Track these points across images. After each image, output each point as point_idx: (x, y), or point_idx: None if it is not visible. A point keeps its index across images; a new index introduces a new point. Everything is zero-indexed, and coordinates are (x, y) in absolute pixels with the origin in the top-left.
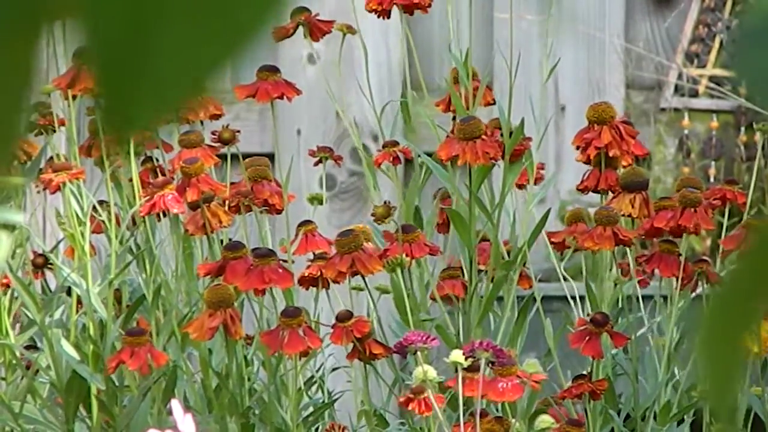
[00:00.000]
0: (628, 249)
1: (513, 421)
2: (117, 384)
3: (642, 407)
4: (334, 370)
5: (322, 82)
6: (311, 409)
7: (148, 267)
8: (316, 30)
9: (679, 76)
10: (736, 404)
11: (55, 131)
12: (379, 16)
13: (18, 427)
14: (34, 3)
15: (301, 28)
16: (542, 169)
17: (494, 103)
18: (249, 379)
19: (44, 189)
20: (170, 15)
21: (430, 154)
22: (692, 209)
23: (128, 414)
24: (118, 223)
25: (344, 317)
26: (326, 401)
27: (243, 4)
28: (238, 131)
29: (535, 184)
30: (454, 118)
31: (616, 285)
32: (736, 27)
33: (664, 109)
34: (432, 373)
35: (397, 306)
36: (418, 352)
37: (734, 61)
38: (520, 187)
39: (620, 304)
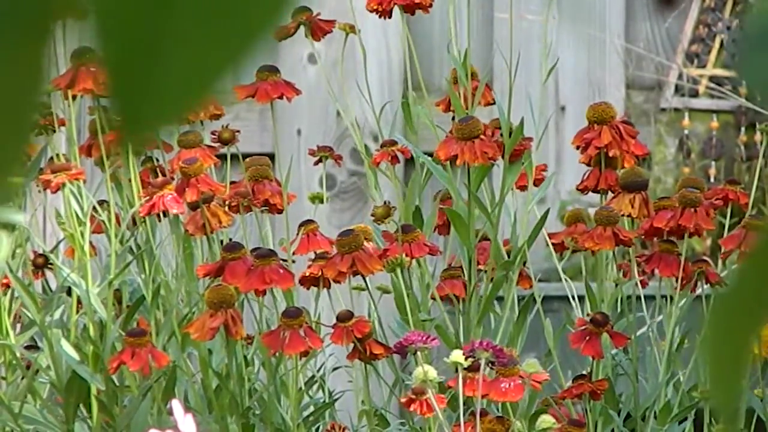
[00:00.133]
0: (630, 249)
1: (514, 421)
2: (117, 384)
3: (642, 407)
4: (334, 369)
5: (323, 82)
6: (312, 408)
7: (148, 267)
8: (318, 30)
9: (680, 76)
10: (740, 406)
11: (55, 131)
12: (379, 16)
13: (18, 427)
14: (46, 4)
15: (302, 28)
16: (544, 170)
17: (494, 103)
18: (249, 379)
19: (44, 189)
20: (181, 17)
21: (430, 154)
22: (692, 209)
23: (128, 414)
24: (118, 223)
25: (345, 317)
26: (327, 401)
27: (252, 5)
28: (238, 131)
29: (536, 185)
30: (454, 118)
31: (617, 285)
32: (737, 28)
33: (664, 109)
34: (432, 373)
35: (398, 306)
36: (419, 352)
37: (737, 64)
38: (521, 188)
39: (620, 305)
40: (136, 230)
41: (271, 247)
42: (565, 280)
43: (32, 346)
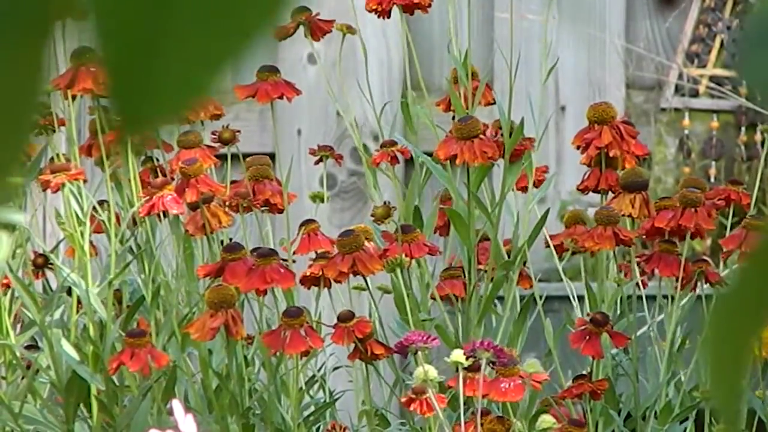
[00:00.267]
0: (630, 249)
1: (514, 421)
2: (117, 384)
3: (643, 407)
4: (335, 369)
5: (323, 82)
6: (312, 408)
7: (148, 267)
8: (317, 30)
9: (680, 76)
10: (741, 407)
11: (55, 131)
12: (379, 16)
13: (18, 427)
14: (45, 4)
15: (301, 28)
16: (545, 172)
17: (494, 103)
18: (249, 379)
19: (44, 189)
20: (180, 15)
21: (430, 154)
22: (693, 209)
23: (128, 414)
24: (118, 222)
25: (346, 317)
26: (327, 401)
27: (250, 4)
28: (239, 131)
29: (536, 186)
30: (454, 118)
31: (618, 285)
32: (737, 28)
33: (664, 109)
34: (433, 372)
35: (398, 306)
36: (419, 352)
37: (737, 63)
38: (522, 190)
39: (621, 305)
40: (136, 230)
41: (272, 247)
42: (567, 282)
43: (32, 346)
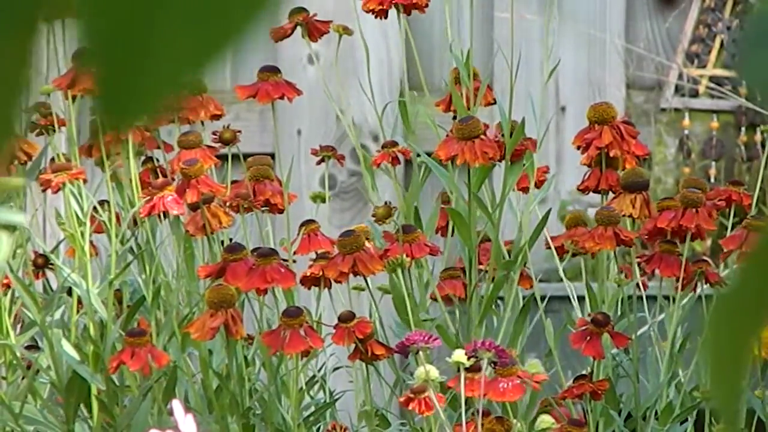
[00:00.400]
0: (630, 250)
1: (514, 421)
2: (117, 384)
3: (643, 407)
4: (335, 370)
5: (323, 83)
6: (312, 409)
7: (148, 267)
8: (314, 30)
9: (680, 76)
10: (741, 407)
11: (55, 131)
12: (376, 17)
13: (18, 427)
14: (31, 1)
15: (299, 29)
16: (546, 172)
17: (494, 103)
18: (250, 380)
19: (45, 189)
20: (166, 13)
21: (428, 155)
22: (694, 210)
23: (129, 414)
24: (118, 223)
25: (346, 318)
26: (327, 401)
27: (237, 1)
28: (239, 131)
29: (537, 187)
30: (454, 118)
31: (619, 285)
32: (737, 28)
33: (664, 110)
34: (434, 372)
35: (397, 306)
36: (420, 352)
37: (737, 63)
38: (523, 190)
39: (621, 305)
40: (136, 230)
41: (272, 247)
42: (567, 282)
43: (33, 346)
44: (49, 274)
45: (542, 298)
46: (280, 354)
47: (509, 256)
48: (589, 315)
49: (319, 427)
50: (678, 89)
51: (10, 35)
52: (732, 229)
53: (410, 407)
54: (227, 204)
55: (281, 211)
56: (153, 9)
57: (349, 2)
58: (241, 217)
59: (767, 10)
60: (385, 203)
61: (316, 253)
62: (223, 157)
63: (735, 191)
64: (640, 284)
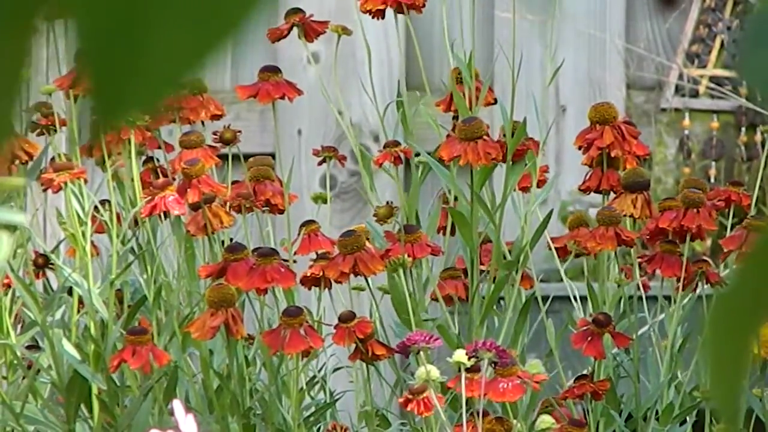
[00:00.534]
0: (631, 250)
1: (514, 421)
2: (118, 384)
3: (644, 407)
4: (336, 370)
5: (324, 83)
6: (313, 409)
7: (149, 267)
8: (311, 31)
9: (680, 77)
10: (740, 407)
11: (56, 131)
12: (373, 17)
13: (19, 426)
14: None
15: (295, 29)
16: (546, 172)
17: (495, 103)
18: (250, 380)
19: (46, 189)
20: (161, 10)
21: (428, 155)
22: (695, 210)
23: (129, 414)
24: (119, 222)
25: (347, 318)
26: (328, 401)
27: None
28: (239, 131)
29: (539, 187)
30: (454, 118)
31: (619, 286)
32: (737, 28)
33: (664, 110)
34: (435, 373)
35: (396, 306)
36: (421, 352)
37: (738, 64)
38: (524, 190)
39: (622, 305)
40: (137, 230)
41: (273, 247)
42: (567, 282)
43: (33, 346)
44: (50, 273)
45: (544, 299)
46: (281, 354)
47: (510, 257)
48: (590, 315)
49: (319, 428)
50: (678, 89)
51: (8, 34)
52: (731, 229)
53: (409, 408)
54: (227, 204)
55: (282, 212)
56: (148, 7)
57: (350, 2)
58: (242, 217)
59: (767, 10)
60: (387, 203)
61: (317, 253)
62: (223, 157)
63: (734, 191)
64: (640, 285)
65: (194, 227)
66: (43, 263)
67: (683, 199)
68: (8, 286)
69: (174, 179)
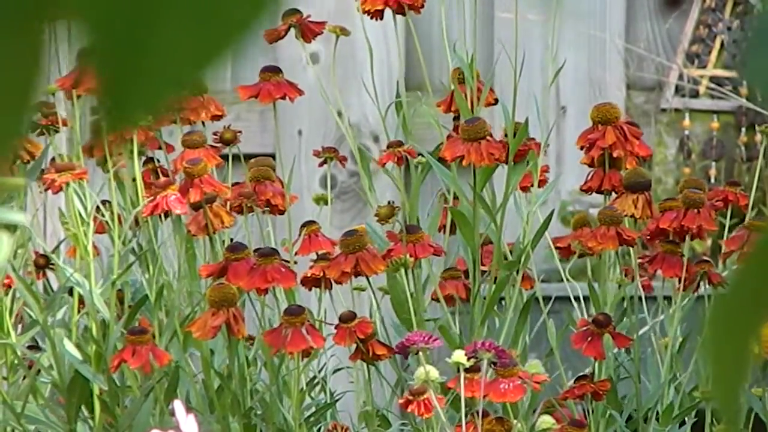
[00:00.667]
0: (631, 249)
1: (515, 421)
2: (119, 384)
3: (644, 408)
4: (336, 371)
5: (323, 83)
6: (313, 409)
7: (150, 267)
8: (308, 32)
9: (680, 77)
10: (741, 406)
11: (57, 131)
12: (372, 17)
13: (20, 426)
14: (34, 2)
15: (293, 30)
16: (546, 171)
17: (496, 104)
18: (251, 380)
19: (46, 189)
20: (167, 11)
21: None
22: (695, 210)
23: (130, 414)
24: (120, 223)
25: (348, 318)
26: (328, 402)
27: (237, 1)
28: (240, 132)
29: (539, 186)
30: (454, 119)
31: (620, 286)
32: (738, 29)
33: (664, 110)
34: (434, 373)
35: (395, 307)
36: (420, 353)
37: (741, 65)
38: (525, 189)
39: (623, 305)
40: (138, 230)
41: (273, 247)
42: (567, 280)
43: (33, 347)
44: (49, 273)
45: (544, 299)
46: (282, 354)
47: (511, 257)
48: (590, 315)
49: (320, 428)
50: (678, 90)
51: (15, 37)
52: (731, 229)
53: (409, 409)
54: (228, 204)
55: (282, 212)
56: (155, 9)
57: (349, 2)
58: (243, 217)
59: None
60: (389, 203)
61: (317, 254)
62: (223, 158)
63: (732, 191)
64: (640, 285)
65: (195, 227)
66: (43, 263)
67: (684, 200)
68: (9, 286)
69: (174, 179)
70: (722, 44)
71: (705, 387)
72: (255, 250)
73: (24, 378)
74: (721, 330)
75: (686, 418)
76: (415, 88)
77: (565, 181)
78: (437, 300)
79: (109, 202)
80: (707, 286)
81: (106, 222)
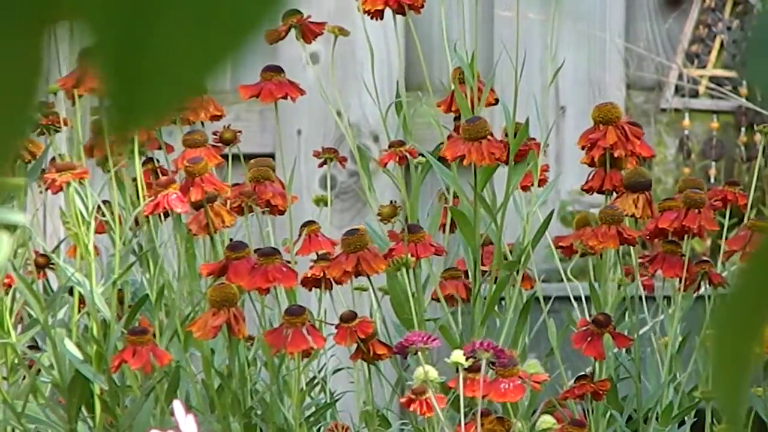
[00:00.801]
0: (631, 248)
1: (515, 421)
2: (120, 384)
3: (644, 408)
4: (336, 371)
5: (323, 83)
6: (313, 409)
7: (151, 267)
8: (309, 32)
9: (680, 77)
10: (745, 406)
11: (58, 131)
12: (372, 17)
13: (20, 426)
14: (37, 3)
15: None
16: (546, 171)
17: (496, 104)
18: (251, 380)
19: (47, 189)
20: (170, 14)
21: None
22: (696, 210)
23: (131, 414)
24: (120, 223)
25: (348, 318)
26: (328, 401)
27: (242, 3)
28: (239, 132)
29: (539, 186)
30: (455, 119)
31: (619, 287)
32: (737, 29)
33: (664, 110)
34: (433, 373)
35: (395, 307)
36: (419, 353)
37: (743, 65)
38: (525, 189)
39: (623, 305)
40: (139, 230)
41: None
42: (569, 280)
43: (34, 346)
44: (49, 273)
45: (544, 299)
46: (282, 354)
47: (512, 257)
48: (590, 316)
49: (320, 428)
50: (678, 89)
51: (22, 38)
52: (730, 229)
53: (411, 408)
54: (227, 203)
55: (282, 213)
56: (158, 11)
57: (349, 2)
58: (244, 218)
59: None
60: (391, 202)
61: (317, 254)
62: (223, 158)
63: (731, 191)
64: (640, 285)
65: (196, 226)
66: (43, 263)
67: (685, 200)
68: (9, 285)
69: (175, 179)
70: (722, 44)
71: (705, 387)
72: (255, 250)
73: (24, 377)
74: (724, 330)
75: (686, 418)
76: (416, 88)
77: (565, 181)
78: (437, 300)
79: (110, 203)
80: (707, 286)
81: (107, 222)
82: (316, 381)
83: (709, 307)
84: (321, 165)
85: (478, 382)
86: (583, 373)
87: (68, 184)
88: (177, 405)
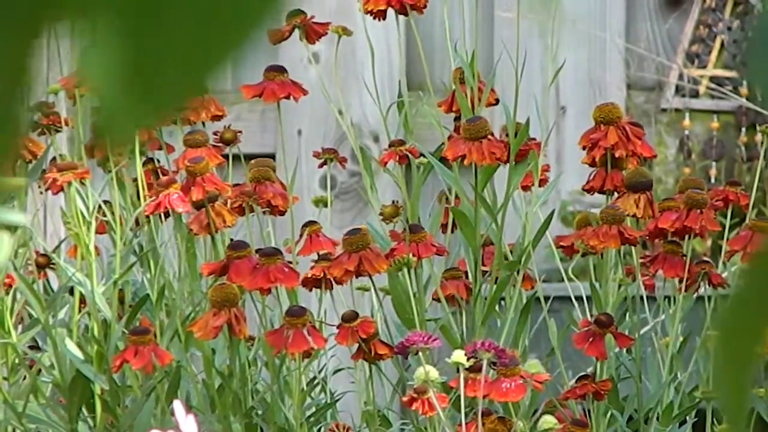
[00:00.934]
0: (633, 248)
1: (516, 421)
2: (120, 384)
3: (645, 408)
4: (337, 371)
5: (325, 82)
6: (314, 409)
7: (152, 267)
8: (312, 33)
9: (680, 77)
10: (747, 407)
11: (59, 131)
12: (374, 17)
13: (21, 426)
14: (32, 3)
15: (297, 31)
16: (547, 171)
17: (496, 104)
18: (252, 380)
19: (47, 189)
20: (171, 14)
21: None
22: (698, 210)
23: (131, 414)
24: (121, 223)
25: (350, 318)
26: (329, 401)
27: (243, 4)
28: (240, 132)
29: (540, 186)
30: (455, 119)
31: (620, 287)
32: (738, 29)
33: (664, 110)
34: (434, 373)
35: (396, 307)
36: (420, 353)
37: (744, 65)
38: (525, 189)
39: (624, 305)
40: (139, 230)
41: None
42: (570, 279)
43: (34, 346)
44: (50, 273)
45: (546, 299)
46: (283, 354)
47: (512, 257)
48: (591, 315)
49: (320, 428)
50: (678, 89)
51: (12, 36)
52: (731, 229)
53: (413, 407)
54: (228, 203)
55: (282, 213)
56: (159, 11)
57: (351, 2)
58: (246, 217)
59: None
60: (393, 202)
61: (318, 254)
62: (224, 158)
63: (732, 191)
64: (641, 285)
65: (197, 226)
66: (43, 263)
67: (687, 200)
68: (10, 285)
69: (176, 179)
70: (722, 44)
71: (706, 387)
72: (257, 251)
73: (25, 377)
74: (727, 330)
75: (687, 418)
76: (416, 88)
77: (565, 181)
78: (438, 300)
79: (110, 203)
80: (708, 286)
81: (107, 222)
82: (316, 381)
83: (709, 308)
84: (321, 165)
85: (479, 381)
86: (584, 373)
87: (69, 184)
88: (177, 405)
